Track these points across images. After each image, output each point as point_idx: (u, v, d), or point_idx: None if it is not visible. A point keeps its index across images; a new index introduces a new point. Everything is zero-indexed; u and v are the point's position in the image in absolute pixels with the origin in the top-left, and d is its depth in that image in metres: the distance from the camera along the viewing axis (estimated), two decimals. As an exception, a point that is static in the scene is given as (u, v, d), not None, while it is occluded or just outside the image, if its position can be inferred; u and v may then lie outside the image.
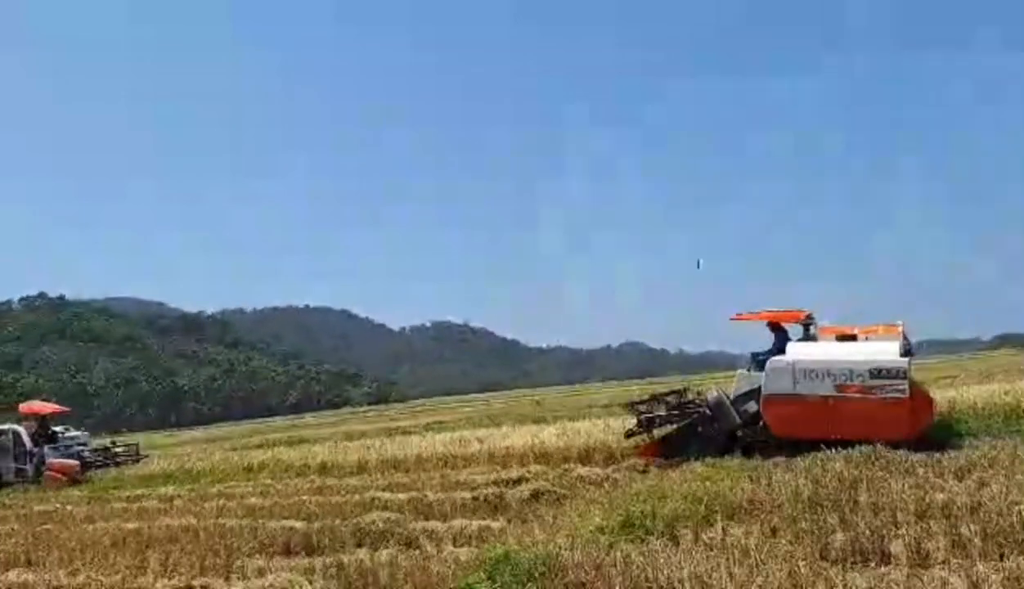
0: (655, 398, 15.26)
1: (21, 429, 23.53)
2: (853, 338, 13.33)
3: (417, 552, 7.79)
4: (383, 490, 12.57)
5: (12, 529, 12.50)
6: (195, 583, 7.06)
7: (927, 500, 7.30)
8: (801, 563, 5.51)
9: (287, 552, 8.55)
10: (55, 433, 24.16)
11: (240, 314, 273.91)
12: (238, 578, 7.18)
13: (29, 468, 22.75)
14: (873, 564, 5.78)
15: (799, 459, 10.71)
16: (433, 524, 9.38)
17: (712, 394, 13.97)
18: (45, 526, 12.47)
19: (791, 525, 6.83)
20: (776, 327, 14.07)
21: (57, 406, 28.66)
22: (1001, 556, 5.59)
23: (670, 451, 13.62)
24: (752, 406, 13.18)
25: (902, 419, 11.83)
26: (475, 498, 10.91)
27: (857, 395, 12.05)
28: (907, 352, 12.71)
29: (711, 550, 6.14)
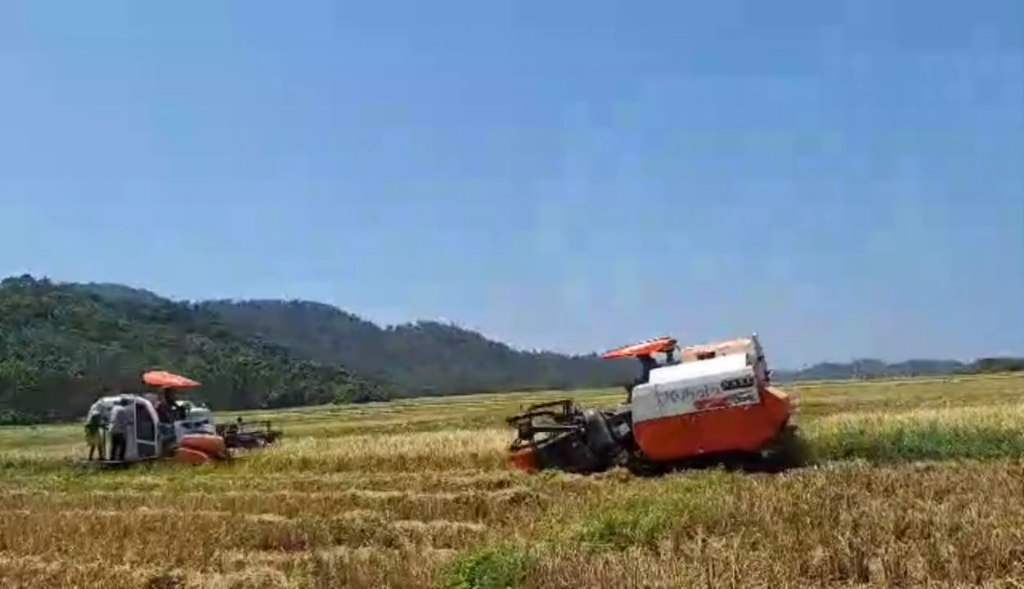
0: (536, 410, 16.15)
1: (147, 401, 21.29)
2: (711, 356, 14.14)
3: (397, 551, 7.74)
4: (364, 488, 12.52)
5: (-12, 512, 12.38)
6: (172, 573, 6.99)
7: (906, 519, 7.34)
8: (781, 578, 5.53)
9: (265, 546, 8.49)
10: (183, 408, 22.15)
11: (226, 306, 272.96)
12: (216, 570, 7.12)
13: (156, 445, 20.53)
14: (852, 581, 5.80)
15: (780, 474, 10.78)
16: (414, 524, 9.33)
17: (588, 413, 14.78)
18: (21, 510, 12.37)
19: (771, 540, 6.83)
20: (645, 357, 14.93)
21: (186, 379, 25.89)
22: (979, 579, 5.61)
23: (545, 462, 14.14)
24: (624, 428, 14.00)
25: (758, 423, 12.56)
26: (456, 499, 10.87)
27: (715, 408, 12.74)
28: (762, 360, 13.70)
29: (691, 561, 6.15)
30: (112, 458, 20.82)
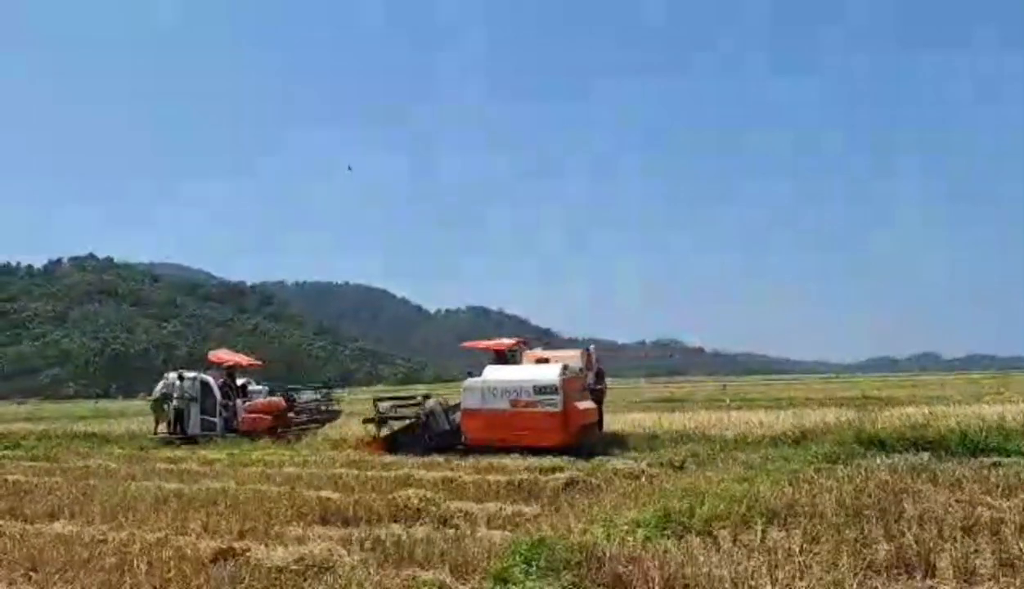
0: (395, 401, 18.00)
1: (210, 378, 21.54)
2: (547, 361, 16.10)
3: (452, 531, 7.81)
4: (417, 468, 12.64)
5: (56, 482, 12.80)
6: (236, 545, 7.14)
7: (974, 516, 7.15)
8: (845, 571, 5.43)
9: (324, 522, 8.63)
10: (245, 386, 22.45)
11: (281, 286, 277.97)
12: (278, 543, 7.26)
13: (218, 421, 20.84)
14: (919, 577, 5.66)
15: (840, 467, 10.57)
16: (467, 505, 9.38)
17: (430, 403, 16.62)
18: (88, 481, 12.76)
19: (834, 533, 6.70)
20: (497, 352, 17.18)
21: (249, 358, 26.04)
22: (1052, 578, 5.44)
23: (393, 447, 15.85)
24: (458, 417, 15.71)
25: (556, 427, 14.29)
26: (509, 482, 10.89)
27: (525, 409, 14.54)
28: (584, 371, 15.93)
29: (752, 552, 6.06)
30: (173, 433, 21.23)
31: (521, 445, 14.05)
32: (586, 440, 14.88)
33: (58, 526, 8.83)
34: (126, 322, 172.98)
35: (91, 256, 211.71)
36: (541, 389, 14.50)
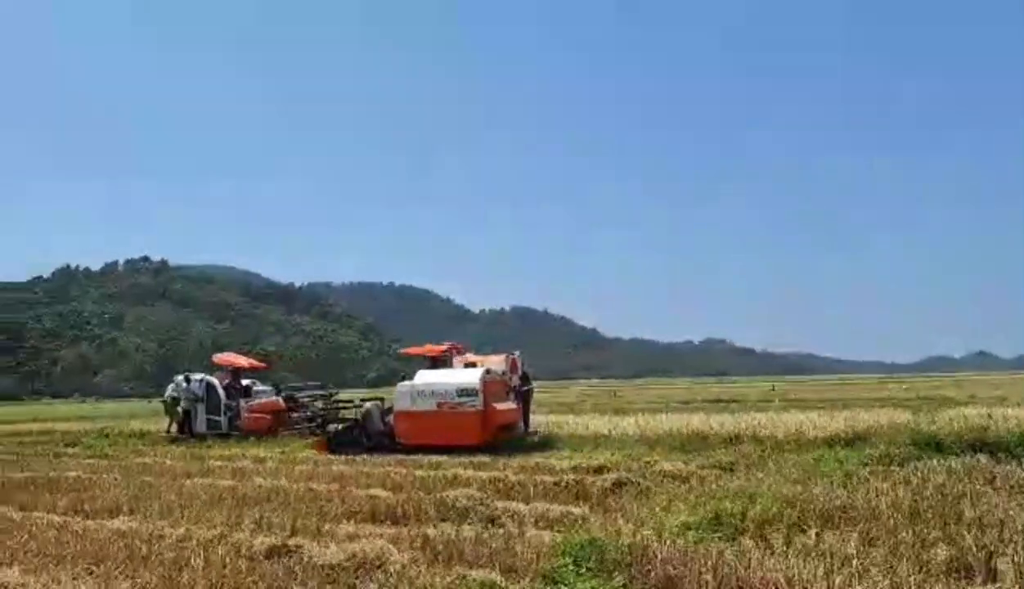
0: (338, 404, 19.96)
1: (215, 380, 22.82)
2: (475, 365, 17.06)
3: (500, 531, 7.81)
4: (465, 468, 12.69)
5: (115, 479, 13.16)
6: (289, 542, 7.26)
7: (1036, 520, 6.93)
8: (904, 575, 5.30)
9: (373, 519, 8.72)
10: (249, 387, 23.50)
11: (327, 287, 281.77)
12: (330, 540, 7.36)
13: (223, 420, 22.00)
14: (979, 581, 5.51)
15: (896, 469, 10.34)
16: (515, 505, 9.36)
17: (367, 406, 17.73)
18: (146, 478, 13.09)
19: (890, 536, 6.56)
20: (432, 357, 18.70)
21: (253, 360, 27.42)
22: (1120, 585, 5.25)
23: (334, 447, 16.74)
24: (392, 418, 16.70)
25: (476, 426, 15.37)
26: (556, 483, 10.85)
27: (450, 409, 15.62)
28: (508, 375, 16.88)
29: (807, 555, 5.96)
30: (181, 432, 22.54)
31: (445, 444, 15.05)
32: (506, 439, 15.78)
33: (118, 522, 9.07)
34: (180, 323, 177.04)
35: (146, 258, 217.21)
36: (463, 391, 15.54)
